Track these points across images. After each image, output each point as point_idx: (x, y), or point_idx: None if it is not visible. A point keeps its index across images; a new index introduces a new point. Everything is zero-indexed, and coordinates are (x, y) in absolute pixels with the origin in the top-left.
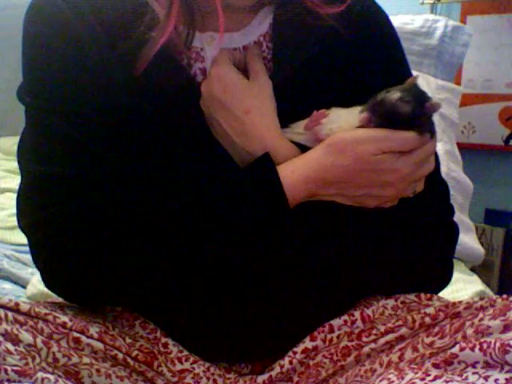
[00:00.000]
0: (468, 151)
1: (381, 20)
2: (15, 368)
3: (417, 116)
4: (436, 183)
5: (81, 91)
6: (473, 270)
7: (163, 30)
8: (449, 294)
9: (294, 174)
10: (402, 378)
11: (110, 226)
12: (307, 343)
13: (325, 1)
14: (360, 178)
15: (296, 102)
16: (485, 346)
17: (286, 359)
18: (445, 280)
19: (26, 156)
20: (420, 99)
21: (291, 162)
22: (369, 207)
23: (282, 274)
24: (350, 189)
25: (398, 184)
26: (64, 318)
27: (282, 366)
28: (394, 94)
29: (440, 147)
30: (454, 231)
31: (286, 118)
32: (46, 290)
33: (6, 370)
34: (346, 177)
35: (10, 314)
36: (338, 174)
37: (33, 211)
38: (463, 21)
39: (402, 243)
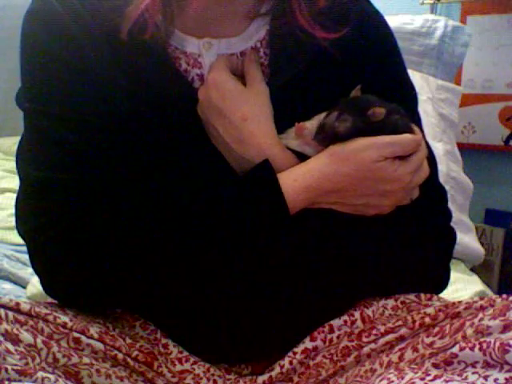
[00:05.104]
0: (468, 151)
1: (378, 24)
2: (16, 367)
3: (361, 128)
4: (433, 188)
5: (79, 96)
6: (473, 270)
7: None
8: (449, 294)
9: (295, 182)
10: (402, 378)
11: (109, 232)
12: (307, 343)
13: (320, 23)
14: (361, 186)
15: (293, 107)
16: (484, 345)
17: (286, 359)
18: (442, 284)
19: (25, 161)
20: (361, 110)
21: (292, 170)
22: (367, 216)
23: (282, 276)
24: (350, 198)
25: (398, 193)
26: (64, 318)
27: (282, 367)
28: (332, 115)
29: (440, 147)
30: (451, 236)
31: (282, 124)
32: None
33: (6, 369)
34: (347, 185)
35: (10, 313)
36: (339, 183)
37: (31, 217)
38: (463, 21)
39: (398, 247)
